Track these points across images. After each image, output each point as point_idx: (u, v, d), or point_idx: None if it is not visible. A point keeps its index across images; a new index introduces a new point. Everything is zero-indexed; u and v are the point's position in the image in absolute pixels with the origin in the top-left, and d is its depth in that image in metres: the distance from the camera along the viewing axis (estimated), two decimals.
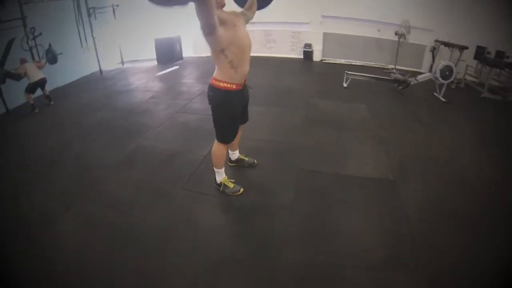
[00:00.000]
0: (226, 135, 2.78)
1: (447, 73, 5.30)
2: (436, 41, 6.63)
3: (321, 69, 7.93)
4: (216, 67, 2.57)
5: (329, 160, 3.61)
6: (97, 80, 8.18)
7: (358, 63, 8.12)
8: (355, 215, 2.73)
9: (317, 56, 8.66)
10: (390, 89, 6.08)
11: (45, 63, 6.98)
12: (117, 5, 9.16)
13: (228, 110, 2.65)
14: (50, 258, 2.41)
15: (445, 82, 5.39)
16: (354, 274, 2.15)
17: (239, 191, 3.01)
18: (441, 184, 3.17)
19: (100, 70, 8.84)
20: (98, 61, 8.83)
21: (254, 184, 3.19)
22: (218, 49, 2.36)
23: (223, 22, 2.23)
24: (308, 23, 8.49)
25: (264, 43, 8.97)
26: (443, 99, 5.47)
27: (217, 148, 2.85)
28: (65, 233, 2.67)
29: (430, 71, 5.69)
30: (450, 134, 4.30)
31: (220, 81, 2.53)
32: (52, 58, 7.17)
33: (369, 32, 7.96)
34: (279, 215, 2.75)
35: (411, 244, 2.40)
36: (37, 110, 5.97)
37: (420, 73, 6.25)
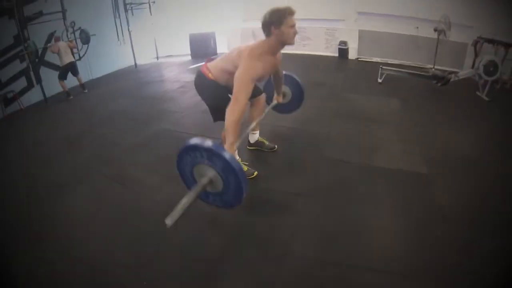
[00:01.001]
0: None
1: (491, 69, 4.90)
2: (479, 37, 6.22)
3: (356, 67, 7.67)
4: (218, 65, 2.59)
5: (357, 151, 3.41)
6: (130, 72, 8.45)
7: (395, 61, 7.75)
8: (379, 211, 2.50)
9: (352, 54, 8.37)
10: (427, 85, 5.74)
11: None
12: (153, 2, 9.36)
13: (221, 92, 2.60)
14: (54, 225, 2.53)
15: (489, 79, 5.00)
16: (371, 278, 1.89)
17: (253, 174, 2.90)
18: (479, 183, 2.85)
19: (135, 64, 9.05)
20: (134, 55, 9.05)
21: (271, 169, 3.06)
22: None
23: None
24: (343, 20, 8.25)
25: (298, 40, 8.79)
26: (486, 98, 5.06)
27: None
28: (74, 205, 2.80)
29: (473, 67, 5.32)
30: (491, 133, 3.93)
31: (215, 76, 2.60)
32: (85, 37, 7.42)
33: (406, 29, 7.58)
34: (293, 204, 2.59)
35: (443, 249, 2.09)
36: (71, 97, 6.26)
37: None
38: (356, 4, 7.95)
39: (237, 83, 2.26)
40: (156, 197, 2.75)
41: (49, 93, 6.71)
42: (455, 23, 6.28)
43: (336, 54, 8.51)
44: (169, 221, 1.68)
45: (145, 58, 9.53)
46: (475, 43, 5.95)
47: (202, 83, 2.68)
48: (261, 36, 2.45)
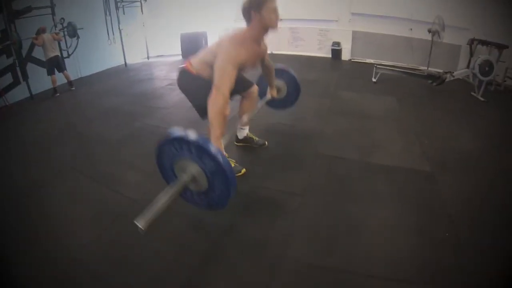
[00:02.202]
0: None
1: (486, 68, 4.87)
2: (473, 39, 6.20)
3: (350, 67, 7.63)
4: (200, 57, 2.49)
5: (354, 148, 3.28)
6: (120, 71, 8.33)
7: (388, 63, 7.68)
8: (379, 210, 2.35)
9: (345, 55, 8.32)
10: (422, 85, 5.71)
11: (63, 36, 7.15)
12: (145, 0, 9.23)
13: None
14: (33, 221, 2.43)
15: (485, 79, 4.95)
16: (374, 285, 1.74)
17: (241, 171, 2.73)
18: (479, 182, 2.75)
19: (125, 63, 8.90)
20: (124, 54, 8.90)
21: (263, 167, 2.91)
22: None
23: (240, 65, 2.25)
24: (336, 20, 8.20)
25: (291, 41, 8.72)
26: (481, 98, 5.02)
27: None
28: (49, 201, 2.67)
29: (468, 67, 5.28)
30: (489, 132, 3.86)
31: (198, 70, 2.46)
32: (72, 31, 7.23)
33: (401, 30, 7.57)
34: (287, 204, 2.42)
35: (443, 249, 1.97)
36: (58, 94, 6.13)
37: None
38: (350, 5, 7.91)
39: (217, 71, 2.13)
40: (133, 194, 2.63)
41: (36, 90, 6.54)
42: (448, 25, 6.25)
43: (329, 55, 8.43)
44: (142, 223, 1.48)
45: (135, 57, 9.38)
46: (470, 42, 5.92)
47: (186, 79, 2.54)
48: None
